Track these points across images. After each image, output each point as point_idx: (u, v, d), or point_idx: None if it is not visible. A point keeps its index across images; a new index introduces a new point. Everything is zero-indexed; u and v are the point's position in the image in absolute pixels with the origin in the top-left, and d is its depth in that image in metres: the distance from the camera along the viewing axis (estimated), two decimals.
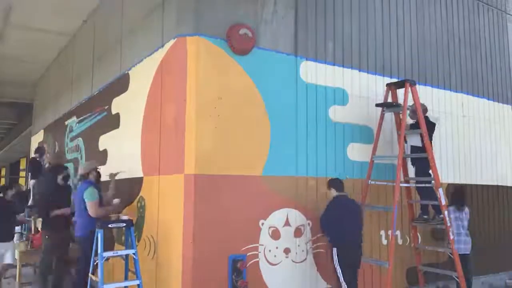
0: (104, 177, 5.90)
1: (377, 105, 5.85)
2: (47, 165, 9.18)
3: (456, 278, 5.63)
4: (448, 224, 5.58)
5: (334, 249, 4.83)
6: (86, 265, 5.03)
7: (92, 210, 5.14)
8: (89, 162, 5.90)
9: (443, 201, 5.56)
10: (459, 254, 5.65)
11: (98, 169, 5.62)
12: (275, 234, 5.00)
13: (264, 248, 4.91)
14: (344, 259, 4.80)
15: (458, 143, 7.12)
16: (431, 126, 5.90)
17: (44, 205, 6.06)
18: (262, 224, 4.92)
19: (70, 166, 8.48)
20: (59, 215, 5.86)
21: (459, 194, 6.15)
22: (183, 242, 4.53)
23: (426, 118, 5.87)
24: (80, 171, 5.55)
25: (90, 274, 4.96)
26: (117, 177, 5.87)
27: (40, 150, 9.51)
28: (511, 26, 8.46)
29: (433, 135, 6.03)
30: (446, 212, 5.57)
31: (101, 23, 7.70)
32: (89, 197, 5.17)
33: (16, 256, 6.70)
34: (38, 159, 9.31)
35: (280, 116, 5.16)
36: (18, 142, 18.10)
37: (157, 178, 5.10)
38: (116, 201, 5.54)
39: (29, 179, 10.53)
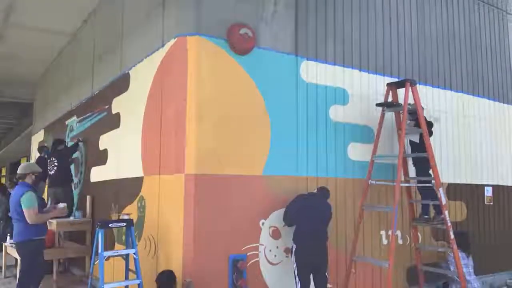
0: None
1: (377, 104, 5.85)
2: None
3: (456, 278, 5.64)
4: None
5: (293, 246, 4.71)
6: (23, 274, 4.97)
7: (29, 217, 4.82)
8: (28, 163, 5.58)
9: (444, 201, 5.56)
10: None
11: (36, 174, 5.31)
12: (276, 234, 5.00)
13: (265, 248, 4.91)
14: (300, 258, 4.65)
15: (458, 142, 7.12)
16: (428, 127, 5.91)
17: None
18: (263, 223, 4.92)
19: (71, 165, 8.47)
20: None
21: (465, 239, 6.19)
22: (183, 241, 4.53)
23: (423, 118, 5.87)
24: (19, 170, 5.20)
25: (90, 273, 4.96)
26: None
27: (44, 148, 9.51)
28: None
29: (433, 135, 6.03)
30: (446, 212, 5.57)
31: (101, 23, 7.69)
32: (27, 204, 4.83)
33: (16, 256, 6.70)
34: (45, 157, 9.29)
35: (280, 115, 5.15)
36: (18, 141, 18.09)
37: (158, 178, 5.10)
38: (61, 205, 5.45)
39: None
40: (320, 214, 4.89)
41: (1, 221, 9.39)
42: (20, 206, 4.87)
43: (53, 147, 8.17)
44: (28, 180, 5.12)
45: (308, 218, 4.75)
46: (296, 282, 4.67)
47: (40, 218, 4.94)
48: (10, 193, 9.41)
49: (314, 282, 4.75)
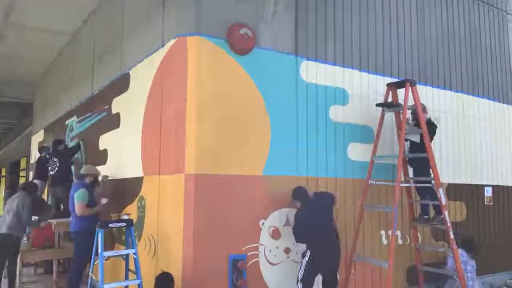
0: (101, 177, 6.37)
1: (377, 105, 5.85)
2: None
3: (456, 278, 5.63)
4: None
5: (308, 252, 4.68)
6: (78, 260, 5.65)
7: (78, 210, 5.59)
8: (91, 166, 6.37)
9: (443, 201, 5.55)
10: None
11: (97, 176, 6.11)
12: (276, 234, 5.00)
13: (265, 248, 4.91)
14: (312, 267, 4.63)
15: (458, 143, 7.12)
16: (432, 127, 5.90)
17: None
18: (263, 224, 4.92)
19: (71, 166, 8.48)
20: None
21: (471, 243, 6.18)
22: (183, 241, 4.53)
23: (428, 119, 5.87)
24: (82, 171, 6.10)
25: (90, 274, 4.96)
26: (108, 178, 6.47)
27: (44, 149, 9.51)
28: None
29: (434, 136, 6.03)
30: (446, 212, 5.57)
31: (101, 23, 7.70)
32: (78, 198, 5.60)
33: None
34: (46, 157, 9.29)
35: (280, 115, 5.15)
36: (18, 141, 18.09)
37: (158, 178, 5.10)
38: (103, 200, 5.94)
39: (31, 178, 10.52)
40: (325, 212, 4.88)
41: None
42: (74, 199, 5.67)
43: (53, 147, 8.20)
44: (87, 180, 5.96)
45: (317, 227, 4.72)
46: (297, 285, 4.67)
47: (86, 211, 5.62)
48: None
49: (323, 284, 4.80)
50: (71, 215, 5.84)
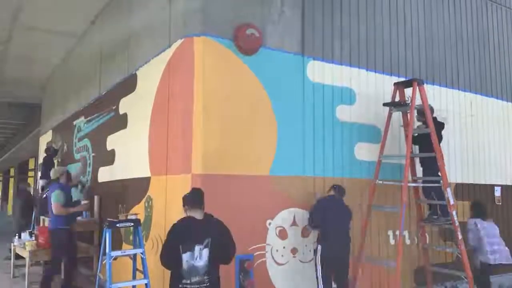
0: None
1: (384, 104, 5.83)
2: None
3: (464, 278, 5.59)
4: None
5: (318, 246, 4.79)
6: (52, 260, 6.15)
7: (55, 209, 5.96)
8: (58, 167, 6.97)
9: (451, 201, 5.52)
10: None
11: (66, 173, 6.47)
12: (282, 234, 5.00)
13: (271, 248, 4.91)
14: (325, 259, 4.72)
15: (466, 142, 7.07)
16: (439, 127, 5.86)
17: None
18: (269, 224, 4.92)
19: (78, 165, 8.53)
20: None
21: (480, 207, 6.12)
22: None
23: (434, 118, 5.84)
24: (52, 176, 6.41)
25: (98, 273, 4.98)
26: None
27: (50, 150, 9.58)
28: None
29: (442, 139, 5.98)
30: (454, 212, 5.52)
31: (108, 24, 7.74)
32: (54, 199, 5.98)
33: (25, 255, 6.75)
34: (51, 157, 9.35)
35: (287, 115, 5.15)
36: (26, 142, 18.23)
37: (165, 178, 5.11)
38: (84, 202, 6.63)
39: (38, 179, 10.61)
40: (343, 216, 4.94)
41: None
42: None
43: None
44: (62, 180, 6.28)
45: (332, 219, 4.79)
46: (318, 284, 4.70)
47: (63, 211, 5.99)
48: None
49: (337, 286, 4.79)
50: (49, 215, 6.17)
